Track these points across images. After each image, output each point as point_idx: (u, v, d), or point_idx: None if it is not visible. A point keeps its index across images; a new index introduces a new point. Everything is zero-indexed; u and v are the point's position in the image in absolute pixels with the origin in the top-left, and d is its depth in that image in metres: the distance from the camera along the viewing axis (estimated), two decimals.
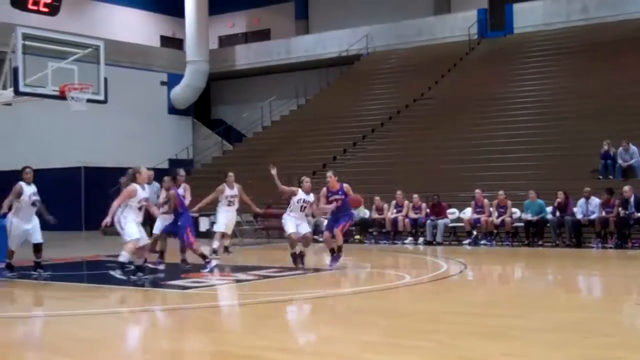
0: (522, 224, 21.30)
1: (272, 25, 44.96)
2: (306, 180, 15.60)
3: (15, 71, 16.32)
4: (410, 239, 22.77)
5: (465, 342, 8.00)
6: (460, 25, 36.68)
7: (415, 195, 23.02)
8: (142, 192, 13.07)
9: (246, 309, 11.04)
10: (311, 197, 15.58)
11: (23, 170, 14.17)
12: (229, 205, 17.86)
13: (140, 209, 13.08)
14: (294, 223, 15.41)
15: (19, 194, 13.88)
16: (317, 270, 15.54)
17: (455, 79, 33.80)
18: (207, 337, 8.87)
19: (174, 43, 45.03)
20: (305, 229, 15.64)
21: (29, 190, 14.04)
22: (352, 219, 16.50)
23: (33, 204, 14.16)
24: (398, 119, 32.31)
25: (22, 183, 13.96)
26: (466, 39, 35.96)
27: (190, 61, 41.06)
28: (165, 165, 34.78)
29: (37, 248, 14.26)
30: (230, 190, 17.80)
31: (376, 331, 8.73)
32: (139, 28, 43.59)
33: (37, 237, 14.28)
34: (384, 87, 35.75)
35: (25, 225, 14.08)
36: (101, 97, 17.67)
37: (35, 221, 14.28)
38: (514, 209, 21.46)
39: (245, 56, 42.93)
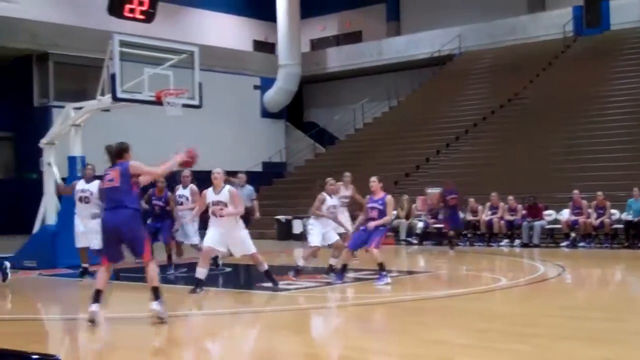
0: (621, 226, 20.82)
1: (363, 28, 44.97)
2: (330, 182, 14.56)
3: (112, 77, 16.65)
4: (505, 241, 22.46)
5: (564, 346, 7.86)
6: (555, 23, 36.03)
7: (511, 197, 22.70)
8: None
9: (339, 311, 11.05)
10: (335, 200, 14.74)
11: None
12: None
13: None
14: (320, 232, 14.32)
15: None
16: (410, 272, 15.47)
17: (550, 78, 33.25)
18: (298, 340, 8.91)
19: (266, 47, 45.42)
20: (333, 237, 14.39)
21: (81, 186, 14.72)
22: (386, 233, 14.26)
23: (80, 199, 14.66)
24: (492, 119, 31.96)
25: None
26: (561, 37, 35.33)
27: (282, 65, 41.35)
28: (259, 169, 35.14)
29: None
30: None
31: (472, 334, 8.64)
32: (232, 33, 44.12)
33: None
34: (477, 87, 35.41)
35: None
36: (196, 102, 17.89)
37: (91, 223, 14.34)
38: (612, 210, 20.99)
39: (337, 59, 43.06)
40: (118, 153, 10.13)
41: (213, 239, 12.46)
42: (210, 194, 12.69)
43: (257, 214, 17.76)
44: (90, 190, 14.50)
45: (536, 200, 22.32)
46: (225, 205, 12.44)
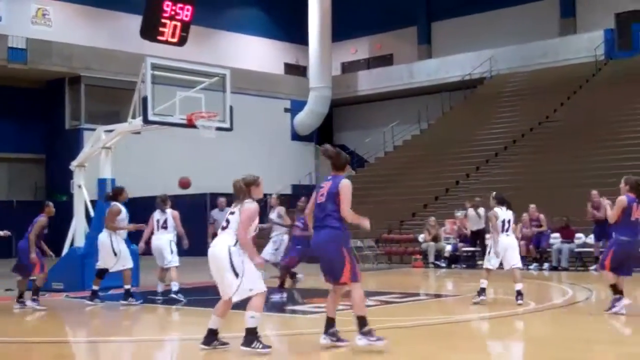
0: None
1: (394, 50, 45.10)
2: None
3: (144, 101, 16.79)
4: (535, 264, 22.32)
5: None
6: (586, 46, 36.01)
7: (532, 206, 22.60)
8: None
9: None
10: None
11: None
12: None
13: None
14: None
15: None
16: (437, 296, 15.46)
17: (581, 101, 33.15)
18: None
19: (297, 70, 45.68)
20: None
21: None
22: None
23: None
24: (522, 142, 31.88)
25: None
26: (592, 60, 35.27)
27: (313, 88, 41.53)
28: (289, 191, 35.22)
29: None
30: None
31: (507, 356, 8.63)
32: (263, 56, 44.38)
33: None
34: (508, 110, 35.34)
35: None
36: (227, 125, 17.99)
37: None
38: None
39: (367, 81, 43.21)
40: None
41: None
42: None
43: None
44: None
45: (568, 222, 22.20)
46: None
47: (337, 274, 9.02)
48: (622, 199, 11.93)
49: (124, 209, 15.05)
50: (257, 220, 9.31)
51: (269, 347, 8.89)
